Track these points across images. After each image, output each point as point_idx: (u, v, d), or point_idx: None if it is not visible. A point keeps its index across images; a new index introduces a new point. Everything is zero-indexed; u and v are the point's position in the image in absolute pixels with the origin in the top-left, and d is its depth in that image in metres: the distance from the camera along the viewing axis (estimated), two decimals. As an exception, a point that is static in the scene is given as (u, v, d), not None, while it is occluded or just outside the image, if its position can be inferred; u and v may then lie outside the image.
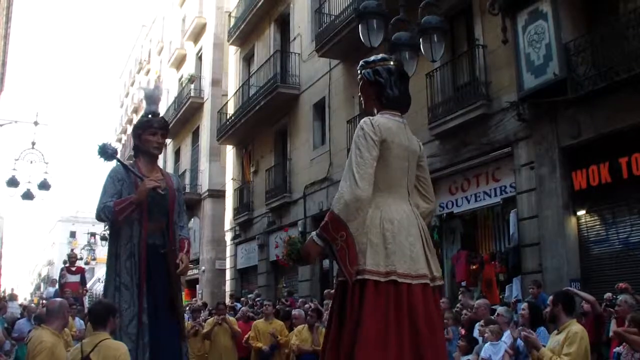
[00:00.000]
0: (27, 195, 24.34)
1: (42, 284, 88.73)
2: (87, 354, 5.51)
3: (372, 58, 4.66)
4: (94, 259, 62.75)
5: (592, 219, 12.51)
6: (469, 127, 14.69)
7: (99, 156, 5.98)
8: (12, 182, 23.21)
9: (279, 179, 24.66)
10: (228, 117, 28.82)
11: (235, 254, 29.45)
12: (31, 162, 23.84)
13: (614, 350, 8.33)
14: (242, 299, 21.77)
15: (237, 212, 28.50)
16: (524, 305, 8.97)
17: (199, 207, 33.59)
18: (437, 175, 15.91)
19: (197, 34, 36.50)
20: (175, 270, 5.84)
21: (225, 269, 30.80)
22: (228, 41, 30.94)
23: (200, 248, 33.02)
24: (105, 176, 5.99)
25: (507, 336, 8.57)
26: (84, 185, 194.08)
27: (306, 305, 13.91)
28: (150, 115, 6.17)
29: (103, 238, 52.18)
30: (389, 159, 4.25)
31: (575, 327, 6.69)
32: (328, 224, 4.01)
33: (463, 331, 10.58)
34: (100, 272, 62.38)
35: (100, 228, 62.72)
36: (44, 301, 21.86)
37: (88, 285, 21.38)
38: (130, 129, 56.44)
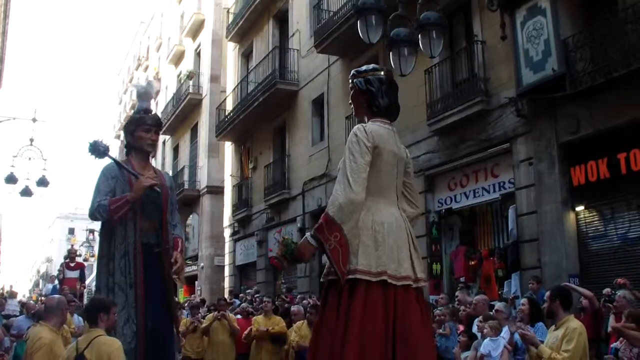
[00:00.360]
0: (26, 192, 24.28)
1: (40, 281, 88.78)
2: (81, 351, 5.51)
3: (363, 68, 4.82)
4: (93, 256, 62.69)
5: (591, 214, 12.51)
6: (467, 123, 14.69)
7: (90, 154, 5.88)
8: (11, 179, 23.17)
9: (277, 175, 24.66)
10: (227, 113, 28.81)
11: (234, 250, 29.46)
12: (29, 158, 23.81)
13: (612, 345, 8.35)
14: (241, 295, 21.78)
15: (235, 208, 28.50)
16: (524, 300, 8.98)
17: (198, 203, 33.60)
18: (436, 171, 15.96)
19: (195, 31, 36.46)
20: (169, 270, 5.77)
21: (224, 266, 30.81)
22: (227, 37, 30.93)
23: (199, 244, 33.04)
24: (98, 174, 5.88)
25: (506, 332, 8.57)
26: (83, 182, 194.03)
27: (304, 301, 13.90)
28: (142, 112, 6.06)
29: (102, 235, 52.27)
30: (380, 165, 4.41)
31: (574, 323, 6.69)
32: (323, 225, 4.15)
33: (461, 327, 10.59)
34: (99, 268, 62.47)
35: (99, 225, 62.77)
36: (42, 298, 21.87)
37: (87, 282, 21.35)
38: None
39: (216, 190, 32.10)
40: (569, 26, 12.30)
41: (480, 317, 9.49)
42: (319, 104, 22.21)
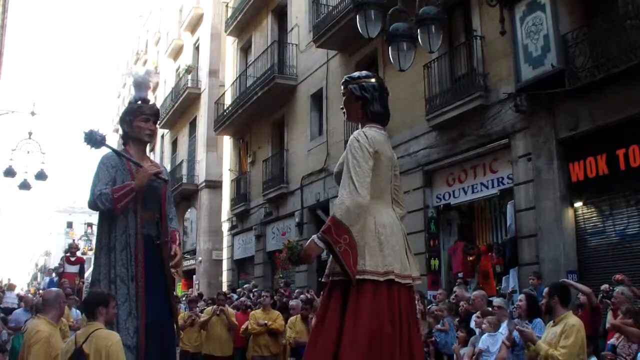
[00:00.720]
0: (24, 186, 24.29)
1: (39, 274, 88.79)
2: (80, 345, 5.45)
3: (357, 74, 4.98)
4: (91, 249, 62.70)
5: (589, 210, 12.52)
6: (466, 118, 14.68)
7: (86, 143, 5.75)
8: (9, 172, 23.16)
9: (276, 169, 24.65)
10: (225, 107, 28.78)
11: (232, 244, 29.45)
12: (28, 152, 23.80)
13: (609, 342, 8.36)
14: (238, 289, 21.80)
15: (234, 202, 28.49)
16: (521, 296, 8.97)
17: (196, 197, 33.61)
18: (435, 166, 15.97)
19: (194, 25, 36.42)
20: (169, 262, 5.72)
21: (222, 260, 30.81)
22: (225, 32, 30.89)
23: (197, 239, 33.04)
24: (97, 163, 5.75)
25: (504, 327, 8.58)
26: (81, 175, 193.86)
27: (302, 296, 13.92)
28: (139, 102, 5.96)
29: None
30: (379, 169, 4.57)
31: (572, 320, 6.70)
32: (331, 228, 4.27)
33: (456, 322, 10.60)
34: (97, 262, 62.46)
35: (97, 217, 62.73)
36: (40, 291, 21.83)
37: (85, 276, 21.32)
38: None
39: (214, 185, 32.10)
40: (569, 22, 12.29)
41: (479, 313, 9.50)
42: (317, 99, 22.19)
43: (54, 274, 19.68)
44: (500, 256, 13.77)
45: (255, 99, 24.73)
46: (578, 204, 12.58)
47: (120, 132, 6.20)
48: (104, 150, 5.85)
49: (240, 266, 29.22)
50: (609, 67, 11.18)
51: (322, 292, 4.94)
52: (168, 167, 33.51)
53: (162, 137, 40.72)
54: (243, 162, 28.77)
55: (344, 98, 4.92)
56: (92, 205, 5.60)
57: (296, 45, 23.91)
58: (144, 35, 52.03)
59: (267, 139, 26.11)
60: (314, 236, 4.38)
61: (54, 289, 8.41)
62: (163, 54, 42.26)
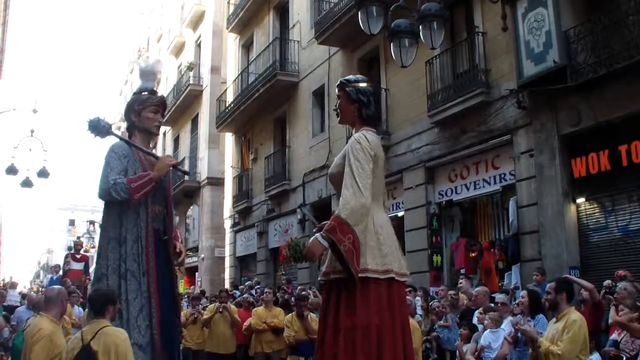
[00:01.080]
0: (26, 183, 24.28)
1: (41, 272, 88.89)
2: (87, 342, 5.41)
3: (353, 77, 5.14)
4: (93, 247, 62.76)
5: (592, 206, 12.51)
6: (468, 114, 14.68)
7: (91, 132, 5.60)
8: (11, 170, 23.15)
9: (278, 166, 24.65)
10: (227, 104, 28.79)
11: (234, 241, 29.47)
12: (30, 149, 23.80)
13: (611, 338, 8.35)
14: (241, 286, 21.82)
15: (236, 199, 28.50)
16: (523, 292, 8.97)
17: (198, 194, 33.61)
18: (436, 162, 15.96)
19: (196, 22, 36.41)
20: (175, 257, 5.65)
21: (224, 257, 30.83)
22: (227, 28, 30.89)
23: (199, 236, 33.06)
24: (107, 151, 5.54)
25: (507, 324, 8.58)
26: (83, 173, 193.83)
27: (303, 293, 13.93)
28: (146, 93, 5.85)
29: (102, 226, 52.20)
30: (377, 172, 4.72)
31: (574, 315, 6.69)
32: (336, 228, 4.38)
33: (457, 317, 10.61)
34: (100, 259, 62.52)
35: (100, 216, 62.74)
36: (42, 289, 21.83)
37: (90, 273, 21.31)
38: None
39: (216, 182, 32.11)
40: (571, 18, 12.27)
41: (481, 309, 9.49)
42: (319, 96, 22.19)
43: (61, 271, 19.65)
44: (502, 252, 13.75)
45: (257, 96, 24.74)
46: (580, 200, 12.57)
47: (125, 123, 6.01)
48: (108, 141, 5.76)
49: (243, 263, 29.24)
50: (611, 64, 11.16)
51: (322, 291, 4.99)
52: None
53: (164, 134, 40.72)
54: (245, 159, 28.78)
55: (339, 100, 5.05)
56: (106, 194, 5.37)
57: (298, 42, 23.91)
58: (146, 32, 52.02)
59: (269, 135, 26.12)
60: (317, 235, 4.46)
61: (56, 286, 8.40)
62: (165, 51, 42.24)
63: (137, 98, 5.84)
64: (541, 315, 8.29)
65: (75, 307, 13.60)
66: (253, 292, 17.87)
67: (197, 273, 32.92)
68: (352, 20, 15.53)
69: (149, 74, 6.05)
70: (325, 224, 4.85)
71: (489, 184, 14.75)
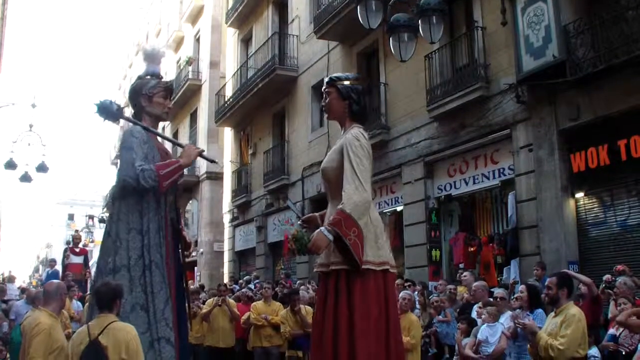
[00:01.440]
0: (25, 178, 24.25)
1: (40, 266, 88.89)
2: (95, 337, 5.29)
3: (344, 75, 5.27)
4: (92, 242, 62.76)
5: (591, 201, 12.51)
6: (467, 109, 14.67)
7: (100, 115, 5.39)
8: (10, 165, 23.12)
9: (277, 161, 24.64)
10: (226, 99, 28.77)
11: (233, 236, 29.49)
12: (29, 144, 23.76)
13: (609, 332, 8.37)
14: (240, 281, 21.83)
15: (235, 194, 28.51)
16: (522, 287, 8.97)
17: (197, 189, 33.60)
18: (436, 157, 15.97)
19: (194, 16, 36.36)
20: (185, 248, 5.58)
21: (223, 251, 30.85)
22: (226, 23, 30.84)
23: (198, 230, 33.06)
24: (126, 136, 5.32)
25: (506, 319, 8.58)
26: (82, 167, 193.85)
27: (302, 287, 13.94)
28: (152, 77, 5.68)
29: (101, 220, 52.12)
30: (370, 168, 4.93)
31: (573, 310, 6.69)
32: (341, 221, 4.53)
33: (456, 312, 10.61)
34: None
35: (99, 210, 62.76)
36: (40, 283, 21.85)
37: (89, 266, 21.28)
38: (128, 112, 56.43)
39: (215, 176, 32.10)
40: (570, 12, 12.26)
41: (480, 303, 9.50)
42: (318, 90, 22.13)
43: (59, 266, 19.62)
44: (501, 247, 13.78)
45: (256, 91, 24.72)
46: (579, 195, 12.57)
47: (131, 107, 5.76)
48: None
49: (242, 258, 29.25)
50: (610, 58, 11.16)
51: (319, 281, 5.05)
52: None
53: (163, 128, 40.69)
54: (244, 154, 28.77)
55: (329, 96, 5.16)
56: (133, 181, 5.10)
57: (297, 36, 23.89)
58: (145, 26, 51.94)
59: (268, 130, 26.11)
60: (322, 228, 4.60)
61: (55, 280, 8.40)
62: (164, 45, 42.18)
63: (147, 82, 5.65)
64: (540, 310, 8.29)
65: (74, 301, 13.62)
66: (252, 286, 17.88)
67: (196, 267, 32.91)
68: (351, 14, 15.54)
69: (154, 58, 5.89)
70: (309, 216, 5.31)
71: (488, 178, 14.75)
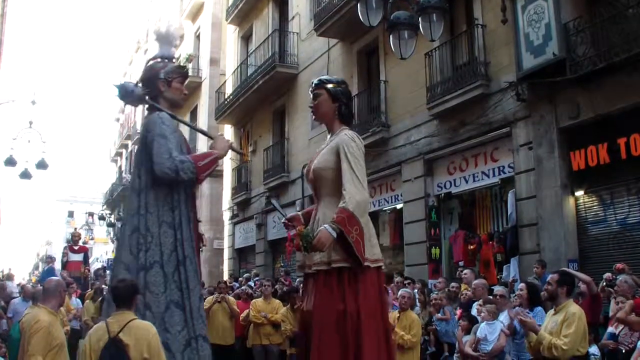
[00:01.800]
0: (25, 175, 24.28)
1: (40, 264, 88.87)
2: (115, 334, 5.17)
3: (333, 79, 5.48)
4: (92, 239, 62.83)
5: (590, 199, 12.51)
6: (467, 107, 14.67)
7: (122, 98, 5.33)
8: (10, 162, 23.15)
9: (277, 158, 24.64)
10: (226, 96, 28.76)
11: (233, 233, 29.50)
12: (29, 141, 23.80)
13: (608, 331, 8.38)
14: (240, 278, 21.84)
15: (235, 191, 28.51)
16: (522, 285, 8.99)
17: (197, 186, 33.51)
18: (435, 155, 15.96)
19: (195, 13, 36.33)
20: (199, 242, 5.45)
21: (223, 249, 30.84)
22: (226, 20, 30.81)
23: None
24: (156, 123, 5.12)
25: (505, 317, 8.59)
26: (82, 164, 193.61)
27: (294, 285, 13.96)
28: (166, 60, 5.49)
29: (101, 217, 52.14)
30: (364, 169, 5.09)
31: (573, 308, 6.69)
32: (345, 220, 4.69)
33: (459, 311, 10.61)
34: (98, 251, 62.37)
35: (99, 208, 62.71)
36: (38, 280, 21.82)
37: (89, 263, 21.28)
38: (127, 108, 56.31)
39: (215, 174, 31.91)
40: (570, 10, 12.25)
41: (480, 301, 9.50)
42: (318, 88, 22.14)
43: (58, 263, 19.63)
44: (501, 245, 13.77)
45: (256, 88, 24.72)
46: (579, 193, 12.57)
47: (146, 90, 5.47)
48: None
49: (242, 255, 29.27)
50: (610, 56, 11.15)
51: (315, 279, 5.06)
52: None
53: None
54: (244, 151, 28.76)
55: (319, 97, 5.28)
56: (172, 173, 4.92)
57: (297, 33, 23.88)
58: (145, 23, 51.89)
59: (268, 127, 26.10)
60: (326, 226, 4.69)
61: (54, 277, 8.40)
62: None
63: (164, 66, 5.47)
64: (539, 308, 8.31)
65: (73, 298, 13.63)
66: (251, 283, 17.89)
67: (195, 265, 32.90)
68: (351, 12, 15.52)
69: (168, 40, 5.67)
70: (293, 215, 5.41)
71: (488, 176, 14.75)
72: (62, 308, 9.39)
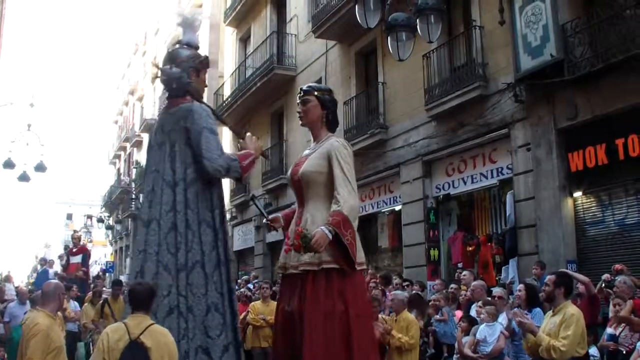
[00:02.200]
0: (24, 177, 24.31)
1: (39, 266, 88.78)
2: (136, 336, 5.01)
3: (323, 87, 5.72)
4: (91, 241, 62.74)
5: (589, 200, 12.51)
6: (465, 108, 14.67)
7: (166, 87, 5.21)
8: (8, 164, 23.18)
9: (275, 160, 24.63)
10: (224, 98, 28.75)
11: (231, 235, 29.44)
12: (27, 144, 23.83)
13: (608, 332, 8.37)
14: (239, 281, 21.83)
15: (233, 193, 28.49)
16: (520, 286, 8.98)
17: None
18: (434, 156, 15.97)
19: (193, 15, 36.25)
20: None
21: (221, 251, 30.78)
22: (224, 22, 30.82)
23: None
24: (201, 115, 5.02)
25: (503, 318, 8.58)
26: (81, 167, 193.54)
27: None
28: (194, 48, 5.30)
29: (100, 220, 52.09)
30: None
31: (571, 309, 6.68)
32: (340, 222, 4.82)
33: (458, 313, 10.60)
34: (97, 254, 62.31)
35: (97, 210, 62.68)
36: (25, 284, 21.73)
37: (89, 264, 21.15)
38: (126, 110, 56.29)
39: (214, 176, 32.02)
40: (568, 11, 12.26)
41: (480, 302, 9.49)
42: (316, 90, 22.14)
43: (57, 266, 19.58)
44: (499, 246, 13.78)
45: (255, 90, 24.71)
46: (577, 194, 12.57)
47: (176, 79, 5.25)
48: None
49: (240, 257, 29.24)
50: (608, 57, 11.16)
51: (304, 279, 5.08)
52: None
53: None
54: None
55: (308, 103, 5.40)
56: (224, 171, 4.95)
57: (295, 35, 23.88)
58: (143, 26, 51.90)
59: (267, 129, 26.10)
60: (323, 228, 4.78)
61: (53, 281, 8.39)
62: (162, 44, 42.12)
63: (194, 55, 5.28)
64: (538, 309, 8.30)
65: (72, 301, 13.60)
66: (250, 286, 17.86)
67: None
68: (349, 13, 15.54)
69: (193, 25, 5.43)
70: (274, 216, 5.55)
71: (486, 177, 14.75)
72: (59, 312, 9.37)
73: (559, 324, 6.56)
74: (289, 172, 5.55)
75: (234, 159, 4.99)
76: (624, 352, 7.88)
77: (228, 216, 29.13)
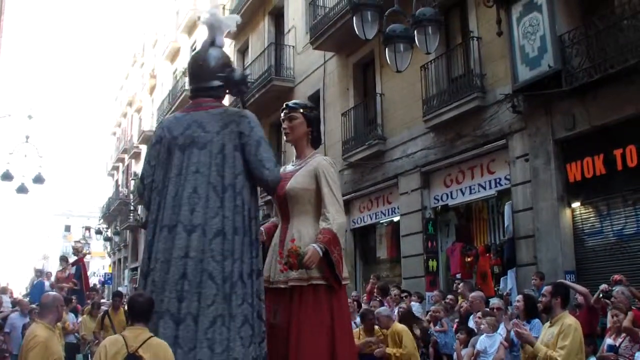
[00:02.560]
0: (22, 189, 24.27)
1: (37, 279, 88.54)
2: (134, 349, 4.93)
3: (308, 104, 5.93)
4: (89, 253, 62.62)
5: (587, 211, 12.50)
6: (463, 119, 14.69)
7: (227, 85, 5.30)
8: (6, 176, 23.15)
9: (273, 172, 24.56)
10: (223, 110, 28.71)
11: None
12: (25, 155, 23.81)
13: (608, 343, 8.35)
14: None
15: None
16: (519, 297, 8.97)
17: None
18: (432, 167, 15.98)
19: (191, 27, 36.38)
20: None
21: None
22: (222, 34, 30.82)
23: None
24: (255, 123, 5.26)
25: (502, 328, 8.58)
26: (79, 179, 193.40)
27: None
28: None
29: (98, 232, 52.02)
30: None
31: (569, 320, 6.68)
32: (330, 240, 4.95)
33: (456, 324, 10.60)
34: (95, 266, 62.18)
35: (95, 222, 62.59)
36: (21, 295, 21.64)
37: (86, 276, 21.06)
38: (124, 122, 56.26)
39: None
40: (565, 22, 12.29)
41: (479, 313, 9.49)
42: (315, 101, 22.10)
43: (52, 278, 19.54)
44: (498, 257, 13.78)
45: (253, 101, 24.70)
46: (575, 205, 12.56)
47: (215, 78, 5.31)
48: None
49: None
50: (605, 68, 11.18)
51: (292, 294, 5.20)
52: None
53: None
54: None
55: (294, 120, 5.56)
56: (277, 182, 5.02)
57: (293, 47, 23.90)
58: (141, 38, 52.01)
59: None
60: (315, 245, 4.87)
61: (51, 292, 8.38)
62: (160, 56, 42.22)
63: (226, 56, 5.32)
64: (536, 320, 8.29)
65: (70, 313, 13.58)
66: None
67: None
68: (347, 25, 15.55)
69: (221, 28, 5.42)
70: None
71: (485, 188, 14.75)
72: (57, 323, 9.35)
73: (557, 335, 6.56)
74: None
75: (279, 169, 5.12)
76: (624, 362, 7.87)
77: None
